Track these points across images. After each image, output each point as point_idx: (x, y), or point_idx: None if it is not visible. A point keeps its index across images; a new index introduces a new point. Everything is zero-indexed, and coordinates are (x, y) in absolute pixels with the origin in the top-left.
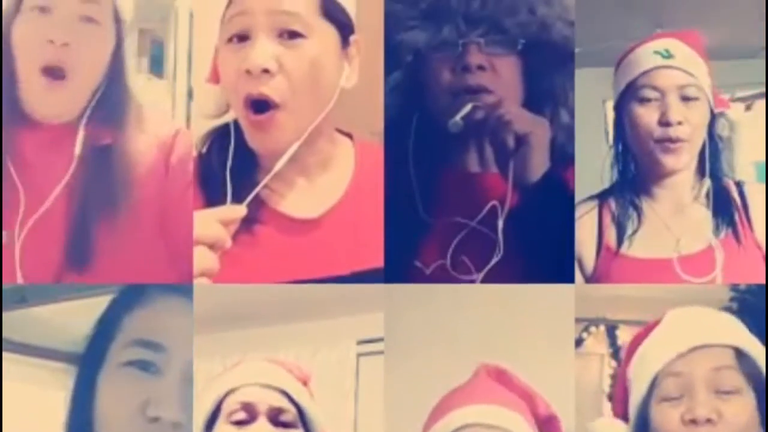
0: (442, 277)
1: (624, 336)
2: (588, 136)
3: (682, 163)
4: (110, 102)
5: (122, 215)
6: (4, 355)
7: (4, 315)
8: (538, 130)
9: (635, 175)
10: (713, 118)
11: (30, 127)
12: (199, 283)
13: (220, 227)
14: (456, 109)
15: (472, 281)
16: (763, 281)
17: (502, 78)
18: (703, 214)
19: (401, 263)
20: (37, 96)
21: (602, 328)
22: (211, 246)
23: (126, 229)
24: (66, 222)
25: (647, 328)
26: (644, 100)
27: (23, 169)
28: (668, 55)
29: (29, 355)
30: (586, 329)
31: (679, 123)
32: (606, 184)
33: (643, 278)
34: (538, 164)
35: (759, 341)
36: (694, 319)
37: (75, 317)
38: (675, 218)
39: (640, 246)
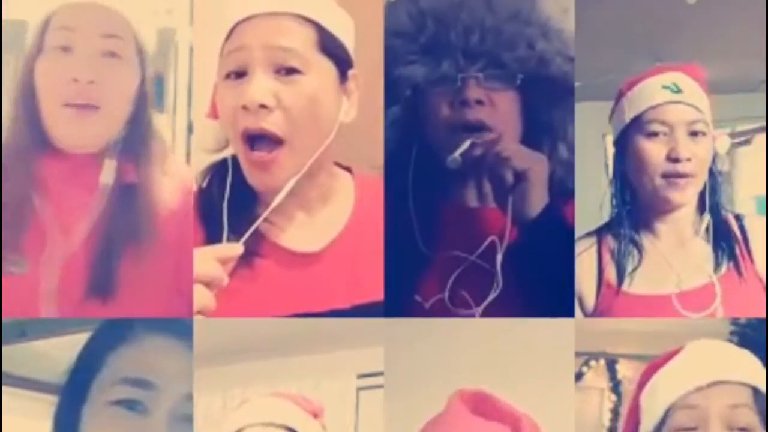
0: (441, 311)
1: (624, 370)
2: (588, 171)
3: (687, 198)
4: (137, 135)
5: (143, 251)
6: (4, 389)
7: (4, 349)
8: (536, 166)
9: (635, 210)
10: (714, 153)
11: (54, 156)
12: (194, 317)
13: (217, 265)
14: (455, 143)
15: (472, 315)
16: (764, 315)
17: (500, 112)
18: (703, 249)
19: (401, 297)
20: (63, 127)
21: (602, 362)
22: (208, 284)
23: (148, 262)
24: (90, 253)
25: (665, 358)
26: (652, 135)
27: (47, 198)
28: (677, 90)
29: (29, 389)
30: (586, 363)
31: (688, 159)
32: (605, 219)
33: (645, 315)
34: (537, 200)
35: None
36: (713, 353)
37: (74, 351)
38: (676, 253)
39: (642, 283)
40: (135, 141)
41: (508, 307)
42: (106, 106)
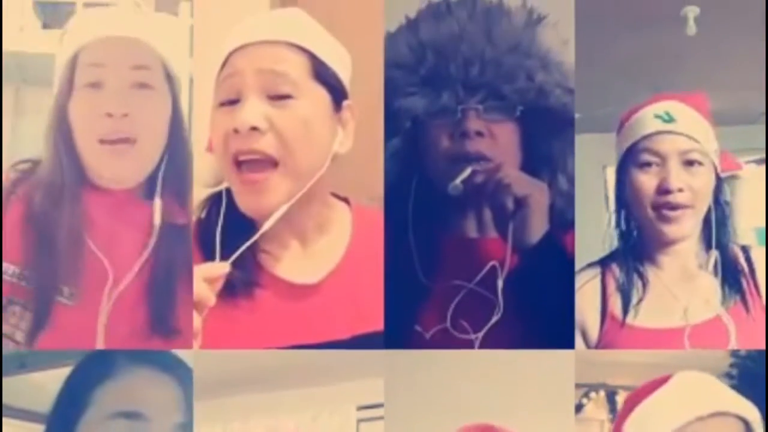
0: (442, 341)
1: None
2: (588, 203)
3: (685, 230)
4: (177, 167)
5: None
6: (5, 420)
7: (4, 381)
8: (536, 193)
9: (638, 242)
10: (719, 183)
11: (97, 194)
12: (193, 349)
13: (203, 285)
14: (455, 174)
15: (472, 342)
16: (764, 347)
17: (500, 144)
18: (710, 283)
19: (401, 328)
20: (102, 164)
21: (602, 393)
22: (195, 305)
23: None
24: (148, 290)
25: (648, 387)
26: (644, 165)
27: (98, 236)
28: (669, 119)
29: (29, 420)
30: (586, 395)
31: (680, 190)
32: (607, 251)
33: (651, 348)
34: (538, 226)
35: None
36: (704, 384)
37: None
38: (681, 286)
39: (647, 316)
40: (175, 172)
41: (509, 334)
42: (143, 138)
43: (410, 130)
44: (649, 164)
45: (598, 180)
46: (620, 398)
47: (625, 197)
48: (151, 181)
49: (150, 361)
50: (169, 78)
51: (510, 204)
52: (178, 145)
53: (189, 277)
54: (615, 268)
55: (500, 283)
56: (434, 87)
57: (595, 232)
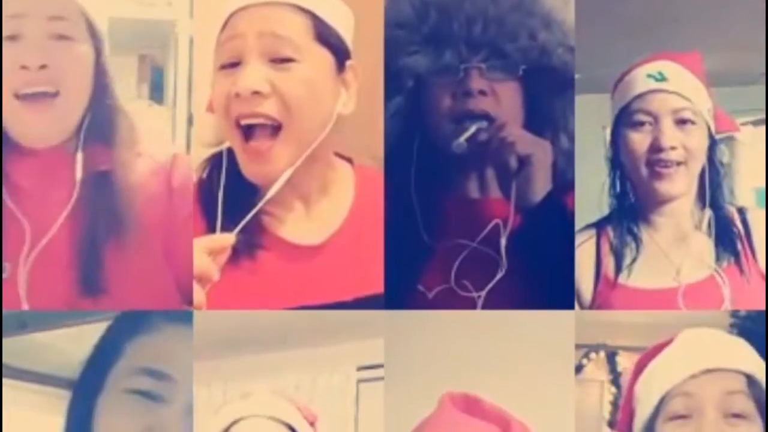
0: (445, 300)
1: (624, 362)
2: (588, 163)
3: (678, 189)
4: (101, 121)
5: (129, 240)
6: (4, 381)
7: (4, 341)
8: (540, 152)
9: (634, 203)
10: (713, 143)
11: (21, 155)
12: (198, 309)
13: (205, 259)
14: (457, 134)
15: (474, 301)
16: (764, 307)
17: (503, 103)
18: (704, 243)
19: (403, 288)
20: (24, 122)
21: (602, 354)
22: (198, 279)
23: (134, 254)
24: (74, 249)
25: (657, 347)
26: (637, 125)
27: (21, 198)
28: (661, 78)
29: (29, 381)
30: (586, 355)
31: (672, 148)
32: (605, 212)
33: (644, 308)
34: (540, 186)
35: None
36: (707, 341)
37: (75, 343)
38: (675, 247)
39: (640, 275)
40: (100, 125)
41: (511, 293)
42: (64, 91)
43: (413, 89)
44: (642, 123)
45: (598, 141)
46: (620, 359)
47: (620, 158)
48: (76, 136)
49: (182, 318)
50: (91, 29)
51: (513, 163)
52: (102, 99)
53: (119, 227)
54: (610, 230)
55: (503, 242)
56: (437, 45)
57: (593, 194)
